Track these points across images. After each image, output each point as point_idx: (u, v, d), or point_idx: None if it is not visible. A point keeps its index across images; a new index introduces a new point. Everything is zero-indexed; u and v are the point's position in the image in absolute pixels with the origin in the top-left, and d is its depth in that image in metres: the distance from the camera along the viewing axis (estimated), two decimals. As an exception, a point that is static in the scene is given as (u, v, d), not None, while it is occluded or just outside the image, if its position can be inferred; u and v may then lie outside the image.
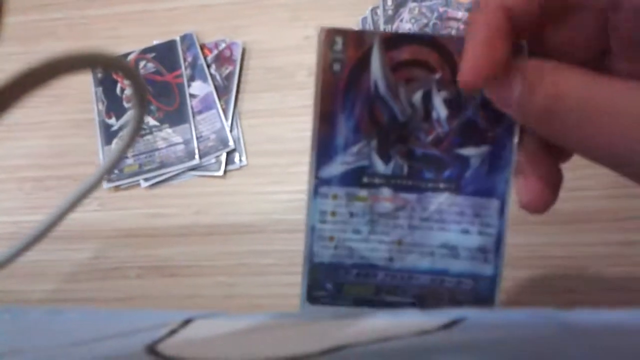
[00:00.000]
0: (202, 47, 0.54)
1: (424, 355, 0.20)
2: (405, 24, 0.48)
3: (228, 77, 0.53)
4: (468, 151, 0.24)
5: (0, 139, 0.55)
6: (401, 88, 0.24)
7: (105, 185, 0.51)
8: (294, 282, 0.47)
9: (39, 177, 0.54)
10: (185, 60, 0.53)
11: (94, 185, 0.27)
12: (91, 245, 0.51)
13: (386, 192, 0.24)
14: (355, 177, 0.24)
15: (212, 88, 0.52)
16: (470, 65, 0.21)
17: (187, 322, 0.24)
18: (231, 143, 0.51)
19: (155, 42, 0.54)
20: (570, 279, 0.44)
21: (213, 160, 0.51)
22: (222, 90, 0.52)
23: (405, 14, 0.49)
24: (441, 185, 0.24)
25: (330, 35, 0.23)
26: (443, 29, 0.47)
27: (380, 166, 0.24)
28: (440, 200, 0.24)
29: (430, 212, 0.24)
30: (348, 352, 0.20)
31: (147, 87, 0.18)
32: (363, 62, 0.23)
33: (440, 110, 0.24)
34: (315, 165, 0.25)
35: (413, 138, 0.24)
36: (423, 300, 0.25)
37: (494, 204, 0.24)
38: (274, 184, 0.50)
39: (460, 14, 0.47)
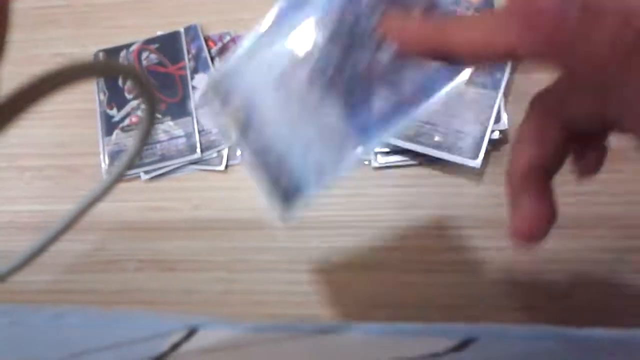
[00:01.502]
0: (207, 39, 0.53)
1: None
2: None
3: (232, 71, 0.52)
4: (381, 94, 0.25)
5: None
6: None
7: (105, 177, 0.51)
8: (295, 280, 0.47)
9: (38, 167, 0.53)
10: (189, 52, 0.53)
11: (116, 182, 0.27)
12: (90, 237, 0.50)
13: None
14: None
15: (215, 81, 0.51)
16: (527, 229, 0.23)
17: (190, 334, 0.24)
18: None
19: (158, 33, 0.54)
20: (569, 285, 0.43)
21: (215, 155, 0.50)
22: (225, 84, 0.52)
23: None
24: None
25: None
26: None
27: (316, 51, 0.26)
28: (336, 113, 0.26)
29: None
30: None
31: (157, 96, 0.18)
32: None
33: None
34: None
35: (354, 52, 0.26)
36: None
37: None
38: (275, 179, 0.50)
39: (470, 14, 0.47)
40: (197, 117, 0.51)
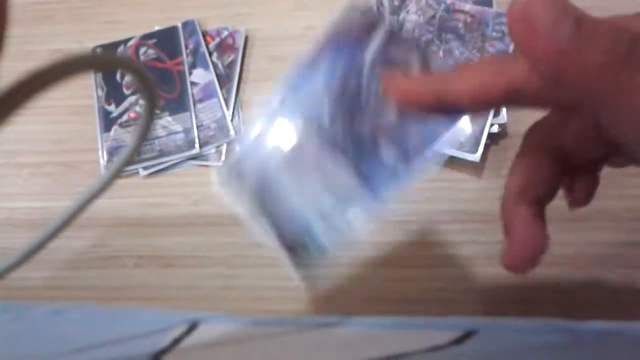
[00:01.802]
0: (204, 34, 0.53)
1: None
2: (412, 15, 0.48)
3: (230, 66, 0.52)
4: (388, 152, 0.26)
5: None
6: (375, 79, 0.26)
7: (103, 172, 0.51)
8: (293, 275, 0.47)
9: (37, 163, 0.53)
10: (186, 47, 0.52)
11: (114, 178, 0.26)
12: (89, 233, 0.50)
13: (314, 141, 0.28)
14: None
15: (213, 76, 0.51)
16: (516, 258, 0.24)
17: (191, 329, 0.24)
18: (232, 133, 0.50)
19: (156, 28, 0.54)
20: (572, 279, 0.43)
21: (213, 150, 0.50)
22: (223, 79, 0.51)
23: (411, 5, 0.48)
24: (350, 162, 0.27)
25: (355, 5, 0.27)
26: (449, 21, 0.47)
27: (324, 122, 0.27)
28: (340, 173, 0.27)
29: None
30: None
31: (157, 90, 0.18)
32: (364, 36, 0.26)
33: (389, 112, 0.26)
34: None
35: (358, 118, 0.27)
36: None
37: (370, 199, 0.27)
38: (274, 175, 0.50)
39: (468, 7, 0.47)
40: (195, 113, 0.51)
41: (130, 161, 0.26)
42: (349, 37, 0.27)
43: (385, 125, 0.26)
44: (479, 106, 0.22)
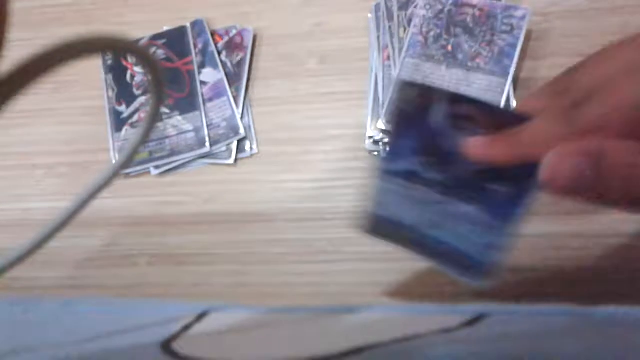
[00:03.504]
0: (213, 33, 0.53)
1: (446, 349, 0.20)
2: (420, 10, 0.48)
3: (239, 64, 0.52)
4: (496, 187, 0.29)
5: (10, 126, 0.55)
6: (453, 131, 0.30)
7: (105, 168, 0.51)
8: (305, 271, 0.47)
9: (49, 164, 0.54)
10: (195, 46, 0.53)
11: (114, 174, 0.27)
12: (102, 232, 0.51)
13: (430, 191, 0.32)
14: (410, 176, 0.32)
15: (222, 75, 0.52)
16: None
17: (201, 316, 0.24)
18: (242, 131, 0.50)
19: (165, 29, 0.54)
20: (583, 270, 0.43)
21: (224, 148, 0.51)
22: (232, 78, 0.52)
23: (419, 0, 0.48)
24: (471, 200, 0.30)
25: (404, 86, 0.30)
26: (458, 15, 0.47)
27: (429, 176, 0.31)
28: (469, 209, 0.31)
29: (458, 213, 0.31)
30: (369, 353, 0.20)
31: (161, 68, 0.18)
32: (427, 109, 0.30)
33: None
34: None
35: (453, 167, 0.30)
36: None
37: (505, 228, 0.30)
38: (284, 172, 0.50)
39: (476, 1, 0.47)
40: (205, 112, 0.51)
41: (133, 157, 0.26)
42: (414, 116, 0.30)
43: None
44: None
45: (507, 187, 0.29)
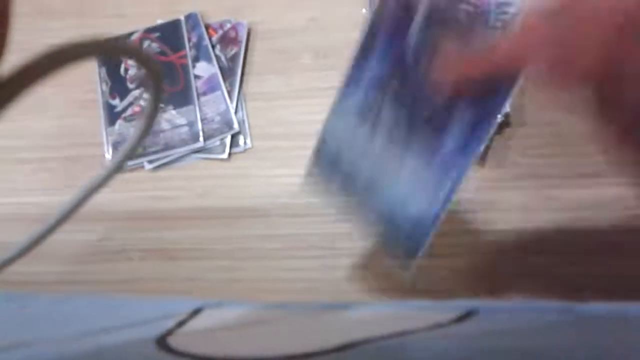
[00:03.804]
0: (207, 27, 0.53)
1: (437, 345, 0.20)
2: (415, 6, 0.48)
3: (233, 59, 0.52)
4: (449, 143, 0.28)
5: (1, 120, 0.55)
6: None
7: (107, 164, 0.51)
8: (299, 267, 0.47)
9: (42, 158, 0.53)
10: (189, 40, 0.52)
11: (116, 171, 0.26)
12: (95, 227, 0.51)
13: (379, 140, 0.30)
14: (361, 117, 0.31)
15: (217, 69, 0.51)
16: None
17: (195, 313, 0.24)
18: (236, 125, 0.50)
19: (159, 22, 0.54)
20: (579, 266, 0.44)
21: (217, 143, 0.50)
22: (227, 72, 0.52)
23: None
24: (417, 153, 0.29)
25: None
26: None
27: (384, 118, 0.30)
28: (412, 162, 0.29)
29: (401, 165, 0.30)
30: (362, 348, 0.20)
31: (161, 71, 0.18)
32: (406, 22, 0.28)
33: None
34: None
35: (418, 106, 0.29)
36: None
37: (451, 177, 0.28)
38: (278, 167, 0.50)
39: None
40: (199, 106, 0.51)
41: (133, 154, 0.26)
42: (392, 23, 0.28)
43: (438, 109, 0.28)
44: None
45: (468, 112, 0.28)
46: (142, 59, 0.18)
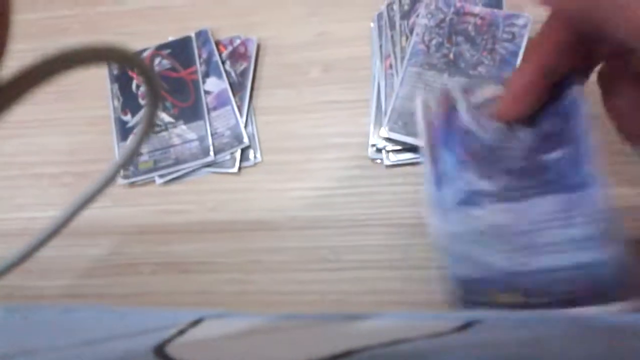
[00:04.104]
0: (217, 43, 0.54)
1: (435, 355, 0.20)
2: (422, 19, 0.48)
3: (243, 74, 0.52)
4: (553, 155, 0.27)
5: (14, 136, 0.56)
6: (486, 121, 0.28)
7: (120, 181, 0.51)
8: (309, 279, 0.47)
9: (54, 174, 0.54)
10: (200, 56, 0.53)
11: (108, 182, 0.27)
12: (106, 241, 0.51)
13: (499, 206, 0.28)
14: (468, 200, 0.28)
15: (226, 84, 0.52)
16: (503, 110, 0.27)
17: (196, 322, 0.24)
18: (246, 139, 0.50)
19: (170, 39, 0.54)
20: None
21: (228, 157, 0.51)
22: (236, 87, 0.52)
23: (421, 9, 0.48)
24: (544, 189, 0.27)
25: (425, 102, 0.30)
26: (459, 24, 0.47)
27: (486, 186, 0.28)
28: (548, 202, 0.27)
29: (540, 215, 0.27)
30: (360, 356, 0.20)
31: (160, 82, 0.18)
32: (452, 111, 0.29)
33: (519, 129, 0.28)
34: (433, 198, 0.30)
35: (506, 157, 0.28)
36: (569, 296, 0.26)
37: (589, 193, 0.26)
38: (288, 180, 0.50)
39: (478, 9, 0.47)
40: (209, 121, 0.51)
41: (129, 162, 0.26)
42: (443, 120, 0.29)
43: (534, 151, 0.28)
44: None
45: (562, 138, 0.27)
46: (139, 66, 0.18)
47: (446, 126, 0.29)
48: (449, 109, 0.29)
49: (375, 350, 0.20)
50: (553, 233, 0.26)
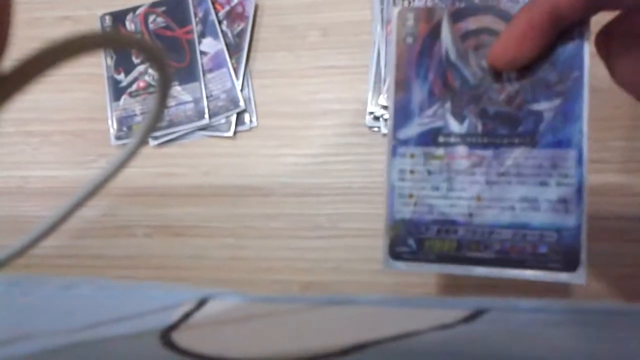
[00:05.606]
0: (214, 2, 0.52)
1: (445, 349, 0.20)
2: (426, -15, 0.47)
3: (240, 35, 0.51)
4: (540, 106, 0.25)
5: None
6: (471, 54, 0.26)
7: (113, 142, 0.51)
8: (302, 246, 0.47)
9: (46, 132, 0.53)
10: (196, 15, 0.52)
11: (127, 160, 0.26)
12: (99, 203, 0.51)
13: (462, 149, 0.26)
14: (431, 137, 0.26)
15: (223, 45, 0.51)
16: (500, 51, 0.24)
17: (200, 305, 0.24)
18: (242, 103, 0.50)
19: (165, -4, 0.53)
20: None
21: (223, 121, 0.50)
22: (233, 48, 0.51)
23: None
24: (516, 140, 0.26)
25: (403, 14, 0.27)
26: (464, -9, 0.46)
27: (454, 126, 0.26)
28: (516, 155, 0.25)
29: (507, 167, 0.26)
30: (369, 351, 0.20)
31: (169, 64, 0.17)
32: (433, 34, 0.26)
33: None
34: (393, 128, 0.27)
35: (485, 98, 0.26)
36: (505, 255, 0.25)
37: (571, 154, 0.25)
38: (284, 146, 0.49)
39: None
40: (205, 83, 0.50)
41: (153, 130, 0.25)
42: (420, 42, 0.27)
43: (519, 97, 0.26)
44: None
45: (554, 85, 0.25)
46: (148, 50, 0.18)
47: (423, 50, 0.26)
48: (431, 31, 0.26)
49: (387, 344, 0.20)
50: (522, 189, 0.25)
